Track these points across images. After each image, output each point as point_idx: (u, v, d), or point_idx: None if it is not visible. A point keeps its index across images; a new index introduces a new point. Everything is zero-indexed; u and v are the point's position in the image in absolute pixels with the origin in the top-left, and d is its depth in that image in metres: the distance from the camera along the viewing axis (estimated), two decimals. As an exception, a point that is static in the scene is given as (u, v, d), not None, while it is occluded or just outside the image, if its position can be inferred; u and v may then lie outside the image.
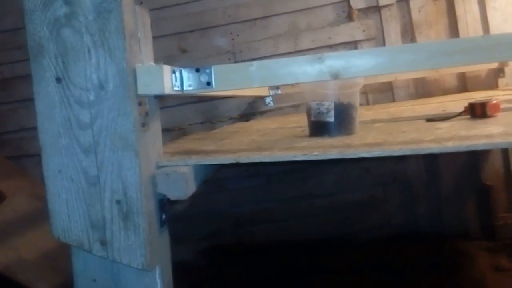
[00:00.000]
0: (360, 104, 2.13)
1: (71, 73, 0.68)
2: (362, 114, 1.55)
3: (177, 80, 0.72)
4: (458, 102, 1.52)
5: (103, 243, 0.70)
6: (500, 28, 2.14)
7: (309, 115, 1.02)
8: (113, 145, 0.68)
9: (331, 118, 0.98)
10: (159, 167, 0.72)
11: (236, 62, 2.29)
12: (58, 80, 0.68)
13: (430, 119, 1.13)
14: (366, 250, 2.04)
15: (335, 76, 0.72)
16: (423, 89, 2.24)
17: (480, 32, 2.16)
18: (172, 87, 0.71)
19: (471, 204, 2.20)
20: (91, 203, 0.70)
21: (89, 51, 0.67)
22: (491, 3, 2.14)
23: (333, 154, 0.73)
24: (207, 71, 0.73)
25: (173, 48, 2.29)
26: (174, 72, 0.72)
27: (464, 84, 2.21)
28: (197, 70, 0.74)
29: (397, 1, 2.21)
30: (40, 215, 1.36)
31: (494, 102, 1.08)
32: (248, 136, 1.11)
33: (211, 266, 2.11)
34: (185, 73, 0.74)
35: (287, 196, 2.24)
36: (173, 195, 0.69)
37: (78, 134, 0.68)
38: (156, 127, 0.74)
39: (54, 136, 0.69)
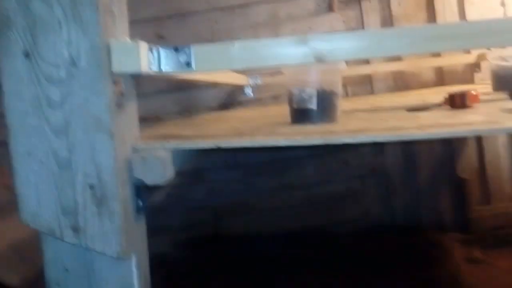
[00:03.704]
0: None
1: (41, 47, 0.64)
2: (342, 104, 1.54)
3: (155, 60, 0.69)
4: (436, 95, 1.53)
5: (76, 229, 0.66)
6: (478, 23, 2.16)
7: (290, 102, 1.00)
8: (86, 126, 0.64)
9: (313, 105, 0.97)
10: (136, 150, 0.68)
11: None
12: (27, 54, 0.63)
13: (410, 109, 1.12)
14: (343, 242, 2.05)
15: (320, 58, 0.70)
16: (402, 82, 2.25)
17: (458, 26, 2.17)
18: (149, 66, 0.68)
19: (447, 197, 2.23)
20: (62, 187, 0.66)
21: (60, 24, 0.63)
22: (469, -1, 2.17)
23: (316, 140, 0.71)
24: (187, 51, 0.70)
25: (150, 34, 2.23)
26: (151, 50, 0.68)
27: (441, 78, 2.24)
28: (176, 50, 0.71)
29: (377, -6, 2.21)
30: (9, 206, 1.30)
31: (474, 93, 1.08)
32: (228, 123, 1.09)
33: (188, 257, 2.08)
34: (163, 52, 0.70)
35: (266, 187, 2.23)
36: (150, 180, 0.66)
37: (48, 113, 0.64)
38: (132, 108, 0.71)
39: (22, 115, 0.65)
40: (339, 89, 1.01)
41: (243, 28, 2.25)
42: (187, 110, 2.23)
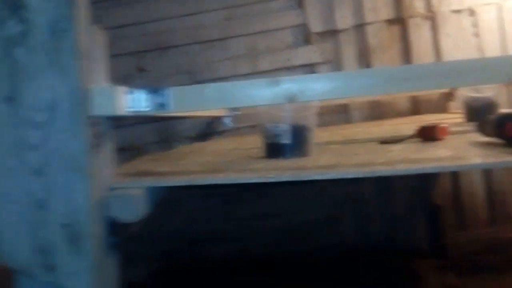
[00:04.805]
0: (316, 125, 2.18)
1: (22, 93, 0.66)
2: (318, 135, 1.58)
3: (133, 101, 0.71)
4: (410, 125, 1.58)
5: (49, 268, 0.67)
6: (451, 54, 2.23)
7: (264, 137, 1.03)
8: (63, 167, 0.65)
9: (286, 140, 1.00)
10: (111, 189, 0.70)
11: (195, 82, 2.29)
12: (9, 99, 0.65)
13: (383, 142, 1.16)
14: (321, 269, 2.05)
15: (291, 99, 0.73)
16: (378, 111, 2.30)
17: (432, 57, 2.25)
18: (127, 108, 0.70)
19: (423, 223, 2.26)
20: (37, 227, 0.67)
21: (42, 71, 0.65)
22: (443, 30, 2.23)
23: (287, 177, 0.74)
24: (164, 92, 0.73)
25: (131, 67, 2.26)
26: (129, 93, 0.71)
27: (416, 107, 2.29)
28: (154, 91, 0.73)
29: (353, 26, 2.28)
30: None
31: (443, 125, 1.12)
32: (203, 157, 1.11)
33: (165, 286, 2.05)
34: (141, 94, 0.73)
35: (243, 215, 2.23)
36: (124, 218, 0.67)
37: (27, 155, 0.66)
38: (109, 148, 0.72)
39: (2, 157, 0.66)
40: (312, 123, 1.05)
41: (222, 60, 2.30)
42: (166, 140, 2.24)
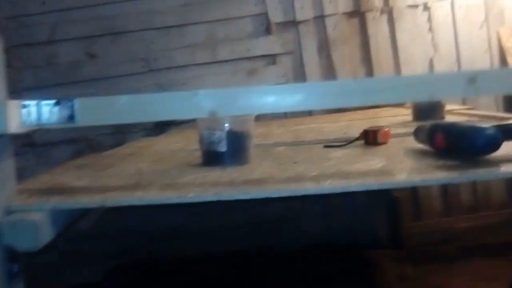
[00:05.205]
0: (278, 117, 2.13)
1: None
2: (272, 132, 1.55)
3: (32, 115, 0.65)
4: (363, 122, 1.57)
5: None
6: (407, 48, 2.24)
7: (201, 144, 0.98)
8: None
9: (223, 148, 0.95)
10: (7, 212, 0.64)
11: (150, 70, 2.21)
12: None
13: (326, 146, 1.13)
14: (282, 262, 2.05)
15: (213, 113, 0.68)
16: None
17: (389, 51, 2.25)
18: (23, 123, 0.63)
19: (382, 215, 2.28)
20: None
21: None
22: (399, 24, 2.24)
23: (208, 197, 0.70)
24: (70, 104, 0.66)
25: (80, 53, 2.15)
26: (26, 106, 0.64)
27: (376, 100, 2.29)
28: (58, 103, 0.66)
29: (313, 18, 2.24)
30: None
31: (385, 130, 1.12)
32: (139, 163, 1.05)
33: (121, 285, 2.01)
34: (42, 106, 0.66)
35: (202, 211, 2.19)
36: (21, 247, 0.61)
37: None
38: (6, 167, 0.66)
39: None
40: (251, 129, 1.00)
41: (179, 48, 2.22)
42: (120, 132, 2.16)
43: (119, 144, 1.59)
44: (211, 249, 2.13)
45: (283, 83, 2.22)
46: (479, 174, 0.67)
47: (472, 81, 0.62)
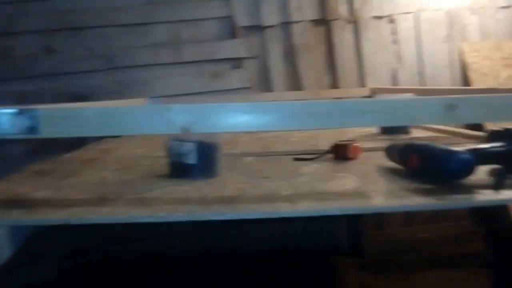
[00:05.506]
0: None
1: None
2: (237, 139, 1.51)
3: (-10, 125, 0.59)
4: (329, 132, 1.57)
5: None
6: (372, 58, 2.28)
7: (169, 155, 0.94)
8: None
9: (192, 160, 0.91)
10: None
11: (111, 68, 2.12)
12: None
13: (297, 158, 1.12)
14: (243, 267, 2.03)
15: (186, 129, 0.65)
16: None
17: (354, 60, 2.28)
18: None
19: (343, 222, 2.30)
20: None
21: None
22: (364, 34, 2.27)
23: (181, 216, 0.67)
24: (33, 114, 0.61)
25: (37, 47, 2.04)
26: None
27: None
28: (19, 113, 0.61)
29: (280, 23, 2.23)
30: None
31: (355, 145, 1.11)
32: (101, 170, 0.99)
33: (76, 286, 1.92)
34: (2, 116, 0.60)
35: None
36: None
37: None
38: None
39: None
40: (220, 140, 0.97)
41: (142, 47, 2.15)
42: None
43: (76, 142, 1.51)
44: (173, 251, 2.08)
45: (247, 88, 2.20)
46: (457, 201, 0.67)
47: (453, 107, 0.62)
